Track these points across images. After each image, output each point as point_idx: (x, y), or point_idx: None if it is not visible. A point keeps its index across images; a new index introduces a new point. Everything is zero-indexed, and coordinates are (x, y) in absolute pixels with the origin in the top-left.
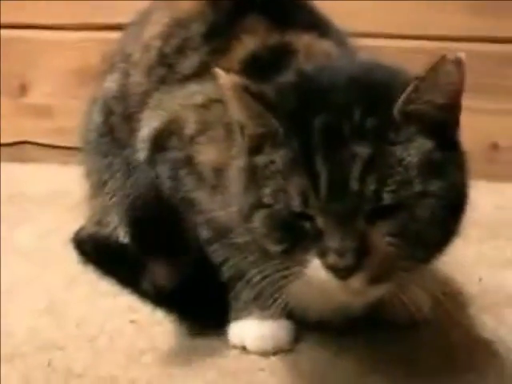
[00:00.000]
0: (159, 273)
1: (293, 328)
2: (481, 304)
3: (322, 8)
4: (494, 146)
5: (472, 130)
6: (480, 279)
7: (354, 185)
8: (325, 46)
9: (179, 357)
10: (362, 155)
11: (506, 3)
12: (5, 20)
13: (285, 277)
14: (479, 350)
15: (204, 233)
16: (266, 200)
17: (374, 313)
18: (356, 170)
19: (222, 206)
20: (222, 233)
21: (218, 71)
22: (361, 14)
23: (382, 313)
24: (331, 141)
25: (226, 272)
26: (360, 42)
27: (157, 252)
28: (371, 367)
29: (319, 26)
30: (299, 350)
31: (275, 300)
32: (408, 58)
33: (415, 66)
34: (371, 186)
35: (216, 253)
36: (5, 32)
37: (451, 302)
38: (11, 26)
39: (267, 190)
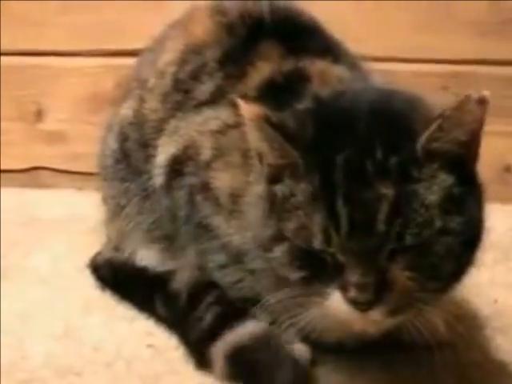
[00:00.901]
0: None
1: (308, 351)
2: (496, 325)
3: (333, 33)
4: (508, 169)
5: (485, 153)
6: (495, 301)
7: (381, 227)
8: (338, 71)
9: (195, 381)
10: (387, 197)
11: None
12: (21, 47)
13: (303, 305)
14: (494, 371)
15: (219, 257)
16: (288, 234)
17: (390, 335)
18: (383, 213)
19: (238, 230)
20: (236, 257)
21: (239, 100)
22: (368, 38)
23: (397, 335)
24: (354, 178)
25: (237, 292)
26: (371, 66)
27: None
28: None
29: (332, 50)
30: (315, 373)
31: (291, 325)
32: (418, 81)
33: (425, 89)
34: (396, 229)
35: (229, 276)
36: (20, 59)
37: (466, 324)
38: (27, 53)
39: (289, 225)
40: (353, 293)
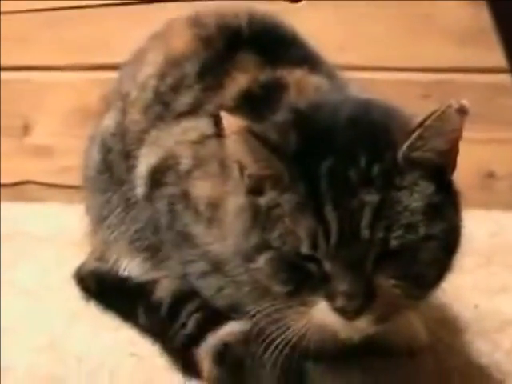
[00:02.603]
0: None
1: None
2: (476, 329)
3: (311, 42)
4: (490, 175)
5: (468, 160)
6: (476, 305)
7: (365, 233)
8: (315, 80)
9: None
10: (371, 203)
11: (495, 34)
12: (7, 62)
13: (286, 314)
14: (475, 375)
15: (199, 266)
16: (273, 243)
17: (371, 341)
18: (366, 219)
19: (218, 239)
20: (217, 265)
21: (221, 112)
22: (349, 48)
23: (378, 340)
24: (339, 187)
25: (220, 301)
26: (350, 75)
27: None
28: None
29: (310, 60)
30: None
31: (275, 333)
32: (400, 89)
33: (407, 98)
34: (380, 234)
35: (210, 284)
36: (6, 74)
37: (447, 328)
38: (13, 68)
39: (275, 233)
40: (340, 302)
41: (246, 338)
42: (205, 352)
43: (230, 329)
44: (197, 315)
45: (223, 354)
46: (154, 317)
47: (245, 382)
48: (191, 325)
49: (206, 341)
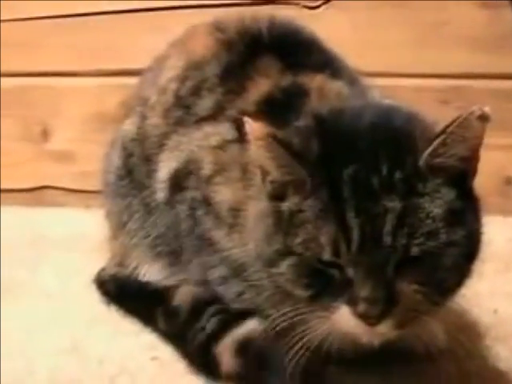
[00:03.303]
0: None
1: None
2: (495, 335)
3: (332, 48)
4: (508, 181)
5: (486, 166)
6: (495, 311)
7: (387, 239)
8: (337, 86)
9: None
10: (393, 210)
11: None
12: (25, 68)
13: (308, 319)
14: (493, 379)
15: (220, 271)
16: (296, 249)
17: (390, 345)
18: (389, 225)
19: (239, 244)
20: (238, 270)
21: (245, 118)
22: (366, 54)
23: (397, 345)
24: (361, 194)
25: (240, 305)
26: (370, 82)
27: None
28: None
29: (331, 65)
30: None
31: (296, 338)
32: (419, 96)
33: (426, 104)
34: (402, 240)
35: (231, 289)
36: (25, 80)
37: (466, 333)
38: (31, 74)
39: (297, 239)
40: (362, 307)
41: (267, 336)
42: (225, 347)
43: (252, 326)
44: (216, 318)
45: (245, 347)
46: (172, 322)
47: (264, 379)
48: (210, 326)
49: (225, 339)
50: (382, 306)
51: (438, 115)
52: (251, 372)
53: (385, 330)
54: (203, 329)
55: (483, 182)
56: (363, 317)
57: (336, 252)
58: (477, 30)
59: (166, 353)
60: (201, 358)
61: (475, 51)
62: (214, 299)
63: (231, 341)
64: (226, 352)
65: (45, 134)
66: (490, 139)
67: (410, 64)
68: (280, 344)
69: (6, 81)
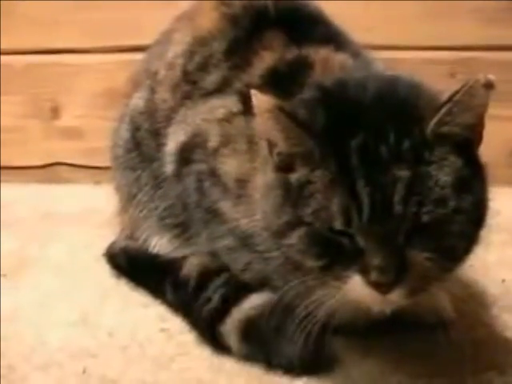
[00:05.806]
0: None
1: None
2: (503, 304)
3: (338, 22)
4: None
5: (492, 137)
6: (503, 280)
7: (398, 208)
8: (341, 58)
9: (207, 363)
10: (403, 179)
11: None
12: (34, 45)
13: (319, 289)
14: (501, 348)
15: (227, 242)
16: (307, 219)
17: (399, 314)
18: (399, 194)
19: (246, 214)
20: (245, 241)
21: (253, 91)
22: (376, 27)
23: (406, 313)
24: (370, 163)
25: (248, 275)
26: (376, 55)
27: None
28: (395, 367)
29: (335, 38)
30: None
31: (307, 309)
32: (426, 68)
33: (433, 76)
34: (413, 208)
35: (239, 259)
36: (34, 57)
37: (475, 303)
38: (41, 52)
39: (308, 210)
40: (374, 275)
41: (269, 311)
42: (231, 328)
43: (253, 302)
44: (222, 290)
45: (248, 331)
46: (181, 293)
47: (272, 357)
48: (216, 299)
49: (230, 315)
50: (394, 274)
51: (446, 87)
52: (258, 355)
53: (397, 298)
54: (209, 300)
55: (490, 154)
56: (375, 285)
57: (347, 221)
58: (484, 2)
59: (175, 324)
60: (207, 332)
61: (483, 23)
62: (221, 270)
63: (235, 320)
64: (232, 334)
65: (55, 111)
66: (497, 111)
67: (418, 37)
68: (284, 322)
69: (16, 58)
